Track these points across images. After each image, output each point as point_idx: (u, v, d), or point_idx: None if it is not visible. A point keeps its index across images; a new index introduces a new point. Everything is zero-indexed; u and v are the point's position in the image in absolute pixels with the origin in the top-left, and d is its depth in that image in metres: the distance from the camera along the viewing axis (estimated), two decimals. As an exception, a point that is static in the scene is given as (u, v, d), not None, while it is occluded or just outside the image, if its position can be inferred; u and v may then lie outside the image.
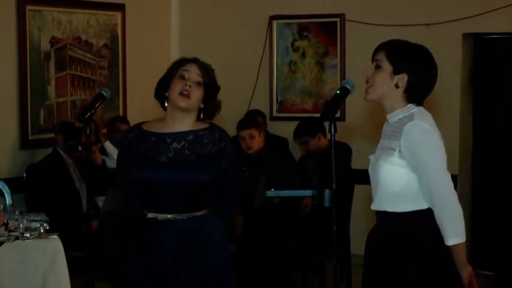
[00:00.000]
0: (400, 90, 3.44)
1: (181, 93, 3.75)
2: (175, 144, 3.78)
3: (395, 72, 3.43)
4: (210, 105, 3.85)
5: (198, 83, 3.78)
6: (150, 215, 3.77)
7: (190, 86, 3.75)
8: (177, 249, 3.74)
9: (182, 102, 3.75)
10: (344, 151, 6.65)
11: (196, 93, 3.77)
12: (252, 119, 6.99)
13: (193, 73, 3.78)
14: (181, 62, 3.85)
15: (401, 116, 3.45)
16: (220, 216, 3.90)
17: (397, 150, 3.39)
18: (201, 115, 3.85)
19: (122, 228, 4.19)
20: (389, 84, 3.44)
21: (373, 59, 3.50)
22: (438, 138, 3.42)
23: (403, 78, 3.43)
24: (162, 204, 3.75)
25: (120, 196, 4.45)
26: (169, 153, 3.77)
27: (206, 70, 3.82)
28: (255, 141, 6.42)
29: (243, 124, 6.56)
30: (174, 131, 3.80)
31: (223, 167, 3.82)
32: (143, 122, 3.95)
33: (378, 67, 3.47)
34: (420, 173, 3.38)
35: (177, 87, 3.77)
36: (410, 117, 3.40)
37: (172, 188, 3.72)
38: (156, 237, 3.76)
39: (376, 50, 3.51)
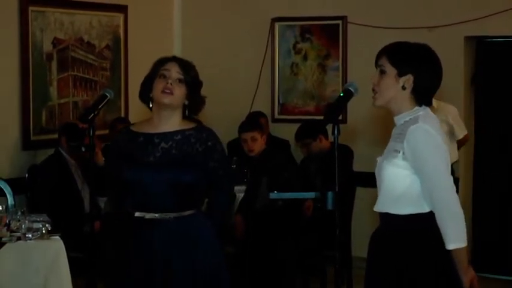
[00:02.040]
0: (407, 92, 3.44)
1: (163, 91, 3.78)
2: (163, 144, 3.81)
3: (400, 74, 3.42)
4: (194, 101, 3.89)
5: (180, 80, 3.82)
6: (137, 214, 3.81)
7: (171, 84, 3.79)
8: (167, 248, 3.76)
9: (165, 99, 3.78)
10: (345, 153, 6.64)
11: (179, 90, 3.81)
12: (254, 121, 6.97)
13: (173, 71, 3.82)
14: (161, 62, 3.89)
15: (407, 119, 3.44)
16: (210, 218, 3.92)
17: (401, 152, 3.39)
18: (186, 112, 3.88)
19: (116, 229, 4.20)
20: (395, 87, 3.43)
21: (377, 65, 3.49)
22: (442, 142, 3.41)
23: (409, 79, 3.42)
24: (149, 203, 3.78)
25: (112, 197, 4.46)
26: (157, 153, 3.80)
27: (186, 67, 3.86)
28: (257, 144, 6.40)
29: (245, 126, 6.54)
30: (162, 131, 3.83)
31: (211, 167, 3.85)
32: (132, 124, 3.98)
33: (382, 72, 3.46)
34: (422, 175, 3.37)
35: (159, 86, 3.80)
36: (415, 120, 3.40)
37: (159, 188, 3.74)
38: (146, 236, 3.78)
39: (378, 56, 3.50)
